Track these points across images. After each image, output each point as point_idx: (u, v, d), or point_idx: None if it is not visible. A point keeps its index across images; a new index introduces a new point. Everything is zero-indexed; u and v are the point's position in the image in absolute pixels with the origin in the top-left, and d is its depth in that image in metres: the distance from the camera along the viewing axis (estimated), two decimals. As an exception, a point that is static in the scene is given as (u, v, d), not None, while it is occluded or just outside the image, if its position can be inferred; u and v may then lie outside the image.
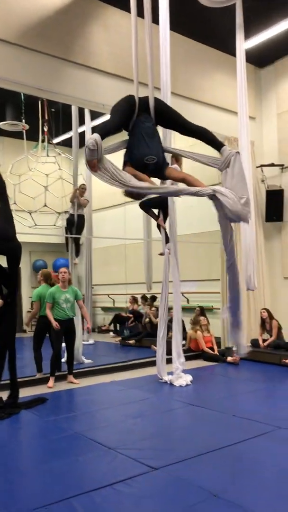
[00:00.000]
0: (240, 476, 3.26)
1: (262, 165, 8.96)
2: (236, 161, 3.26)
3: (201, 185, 3.20)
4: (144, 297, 10.81)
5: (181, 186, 3.51)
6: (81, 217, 8.78)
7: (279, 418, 4.57)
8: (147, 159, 3.29)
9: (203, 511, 2.77)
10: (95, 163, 2.95)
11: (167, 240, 6.62)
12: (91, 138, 2.85)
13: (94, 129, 9.87)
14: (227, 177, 3.30)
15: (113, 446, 3.84)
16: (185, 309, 9.92)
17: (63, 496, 2.96)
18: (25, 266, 13.02)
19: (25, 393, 5.71)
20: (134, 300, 11.14)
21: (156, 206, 6.60)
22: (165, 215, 6.63)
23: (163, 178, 3.53)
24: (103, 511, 2.80)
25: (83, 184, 8.98)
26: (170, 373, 6.42)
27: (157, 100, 3.46)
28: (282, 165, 8.90)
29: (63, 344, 6.55)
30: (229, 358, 7.69)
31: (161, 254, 6.83)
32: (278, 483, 3.18)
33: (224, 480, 3.20)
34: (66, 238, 8.92)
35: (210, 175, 6.17)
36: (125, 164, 3.38)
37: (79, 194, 8.73)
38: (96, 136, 2.87)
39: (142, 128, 3.31)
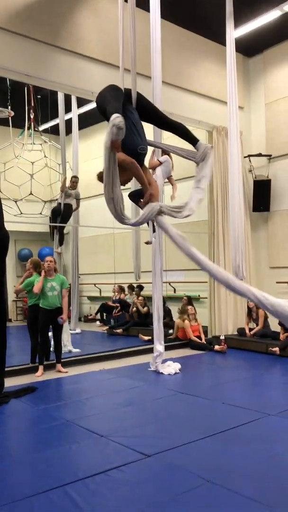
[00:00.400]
0: (232, 462, 3.31)
1: (249, 155, 8.98)
2: (210, 154, 3.45)
3: (156, 196, 3.31)
4: (130, 287, 10.83)
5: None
6: (68, 207, 8.71)
7: (267, 405, 4.65)
8: (139, 149, 3.28)
9: (198, 497, 2.81)
10: (120, 143, 2.90)
11: (154, 229, 6.61)
12: (118, 117, 2.76)
13: (84, 116, 9.83)
14: (199, 168, 3.46)
15: (105, 434, 3.87)
16: (172, 299, 10.01)
17: (58, 483, 2.97)
18: (10, 255, 12.82)
19: (13, 382, 5.70)
20: (121, 289, 11.14)
21: None
22: None
23: None
24: (98, 497, 2.82)
25: (75, 177, 8.86)
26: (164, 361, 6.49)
27: (138, 93, 3.49)
28: (269, 155, 8.94)
29: (50, 333, 6.54)
30: (217, 347, 7.76)
31: (147, 242, 6.84)
32: (269, 469, 3.24)
33: (216, 466, 3.25)
34: (51, 227, 8.85)
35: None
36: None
37: (71, 187, 8.64)
38: (120, 116, 2.81)
39: (131, 118, 3.29)
